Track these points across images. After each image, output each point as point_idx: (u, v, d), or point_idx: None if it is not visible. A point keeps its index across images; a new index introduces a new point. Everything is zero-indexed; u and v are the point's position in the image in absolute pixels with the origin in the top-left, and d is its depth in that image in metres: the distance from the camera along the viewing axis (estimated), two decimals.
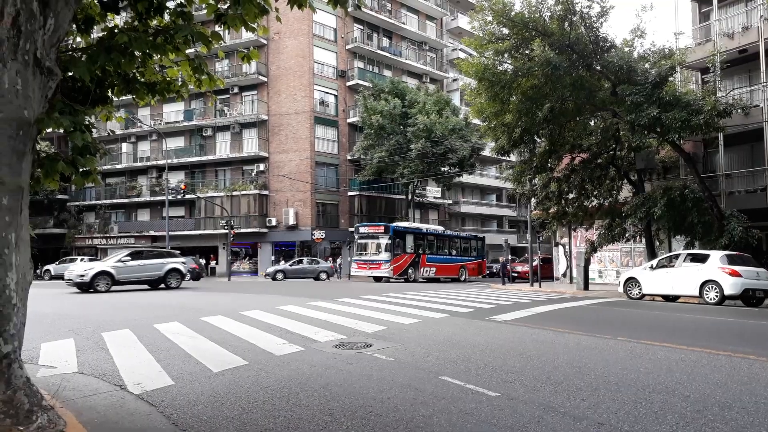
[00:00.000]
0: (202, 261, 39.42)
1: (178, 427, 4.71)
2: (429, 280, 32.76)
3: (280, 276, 34.58)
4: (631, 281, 18.87)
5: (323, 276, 34.99)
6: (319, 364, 7.06)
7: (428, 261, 32.87)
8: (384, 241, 30.36)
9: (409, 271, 31.26)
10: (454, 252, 36.01)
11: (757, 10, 21.71)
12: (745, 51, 21.62)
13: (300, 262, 36.05)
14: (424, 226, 36.55)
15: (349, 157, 42.64)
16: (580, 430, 4.50)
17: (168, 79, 6.60)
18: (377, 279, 31.13)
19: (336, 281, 33.61)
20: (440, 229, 37.64)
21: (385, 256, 30.07)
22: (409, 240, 31.86)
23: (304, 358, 7.45)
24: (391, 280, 31.05)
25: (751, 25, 21.86)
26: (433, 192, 45.60)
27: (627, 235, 23.36)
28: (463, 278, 35.09)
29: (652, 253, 22.71)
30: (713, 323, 11.90)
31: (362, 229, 32.02)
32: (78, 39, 6.26)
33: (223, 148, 42.74)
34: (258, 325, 10.54)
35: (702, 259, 17.10)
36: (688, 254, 17.95)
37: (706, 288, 16.48)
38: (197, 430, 4.61)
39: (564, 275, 31.31)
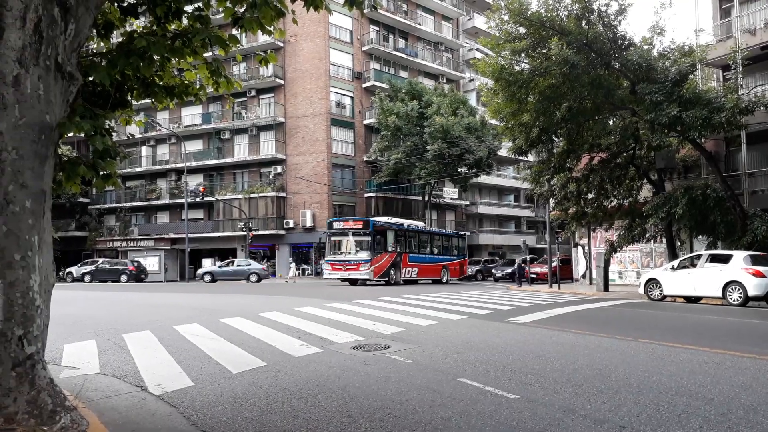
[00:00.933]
0: (218, 264, 39.73)
1: (198, 428, 4.73)
2: (408, 282, 29.58)
3: (207, 278, 35.25)
4: (652, 282, 18.62)
5: (253, 278, 34.26)
6: (337, 366, 7.06)
7: (410, 261, 29.58)
8: (363, 238, 26.70)
9: (391, 272, 27.66)
10: (435, 251, 33.17)
11: None
12: (767, 47, 21.22)
13: (231, 263, 36.36)
14: (405, 222, 32.31)
15: (365, 159, 42.69)
16: None
17: (186, 82, 6.67)
18: (353, 282, 27.66)
19: (290, 285, 30.69)
20: (421, 225, 34.88)
21: (364, 255, 26.33)
22: (390, 237, 28.22)
23: (322, 360, 7.46)
24: (368, 282, 27.63)
25: None
26: (449, 193, 45.45)
27: (647, 235, 23.05)
28: (444, 279, 32.48)
29: (673, 254, 22.40)
30: (737, 325, 11.69)
31: (336, 225, 28.35)
32: (96, 44, 6.34)
33: (240, 150, 43.04)
34: (276, 327, 10.58)
35: (725, 259, 16.81)
36: (711, 254, 17.66)
37: (730, 289, 16.20)
38: (217, 431, 4.64)
39: (583, 276, 31.00)
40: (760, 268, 15.83)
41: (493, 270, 39.15)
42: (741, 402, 5.25)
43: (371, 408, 5.18)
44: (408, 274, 29.29)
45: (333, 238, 27.88)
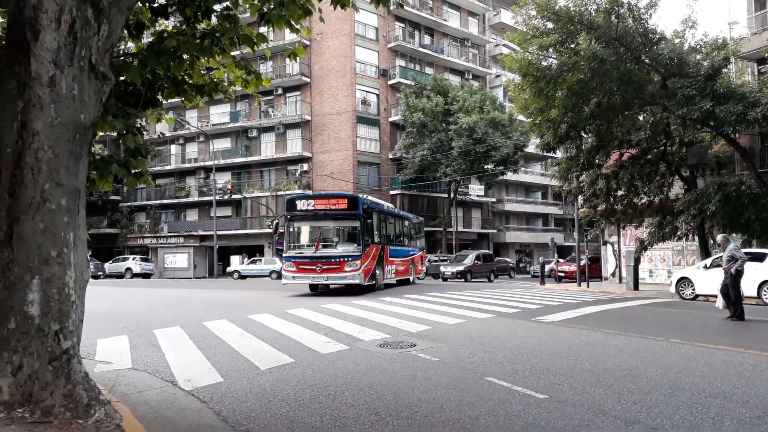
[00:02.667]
0: (246, 260, 40.21)
1: (228, 423, 4.79)
2: (387, 285, 22.01)
3: (236, 275, 36.72)
4: (683, 281, 18.24)
5: (274, 275, 34.92)
6: (364, 363, 7.08)
7: (391, 256, 21.96)
8: (348, 223, 18.90)
9: (377, 272, 19.70)
10: (405, 241, 25.53)
11: None
12: None
13: (258, 261, 37.79)
14: (382, 202, 24.29)
15: (390, 156, 42.68)
16: None
17: (215, 80, 6.75)
18: (313, 288, 19.53)
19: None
20: (391, 206, 27.29)
21: (350, 248, 18.30)
22: (375, 222, 20.04)
23: (349, 357, 7.48)
24: (331, 287, 20.18)
25: None
26: (476, 190, 45.15)
27: (679, 233, 22.57)
28: (412, 278, 25.44)
29: (705, 252, 21.89)
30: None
31: (302, 204, 18.76)
32: (129, 44, 6.45)
33: (267, 148, 43.40)
34: (303, 324, 10.65)
35: (760, 257, 16.37)
36: (745, 253, 17.19)
37: (765, 288, 15.78)
38: (247, 427, 4.69)
39: (613, 275, 30.52)
40: None
41: (440, 268, 33.17)
42: None
43: (398, 406, 5.17)
44: (390, 273, 21.92)
45: (296, 225, 19.31)
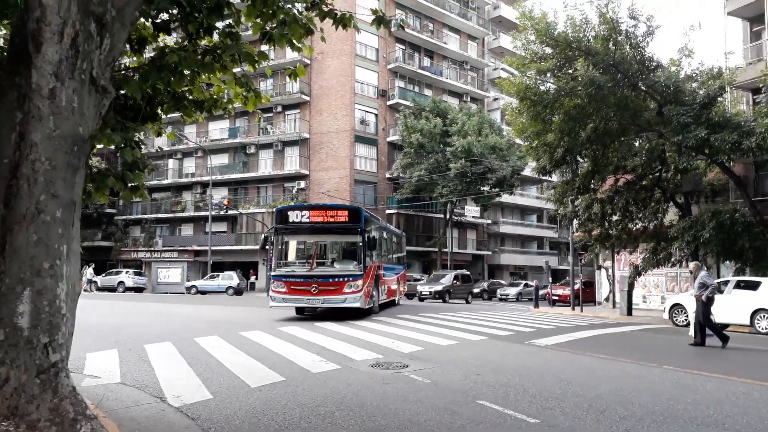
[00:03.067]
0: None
1: None
2: (382, 306, 19.63)
3: (193, 291, 36.47)
4: (677, 307, 18.22)
5: (230, 291, 35.88)
6: (356, 383, 7.02)
7: (385, 275, 20.09)
8: (348, 238, 16.55)
9: (374, 294, 17.38)
10: (393, 258, 23.47)
11: None
12: None
13: (215, 277, 37.49)
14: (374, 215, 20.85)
15: (387, 176, 42.80)
16: None
17: (215, 96, 6.79)
18: (300, 311, 16.78)
19: None
20: (379, 218, 23.16)
21: (351, 267, 15.86)
22: (376, 238, 18.06)
23: (340, 377, 7.42)
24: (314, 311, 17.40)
25: None
26: (471, 211, 45.24)
27: (673, 259, 22.59)
28: (397, 300, 23.45)
29: None
30: (765, 354, 11.37)
31: (295, 216, 16.03)
32: (131, 58, 6.50)
33: (265, 165, 43.48)
34: (295, 342, 10.58)
35: (753, 286, 16.40)
36: (739, 281, 17.24)
37: (758, 317, 15.78)
38: None
39: (606, 300, 30.47)
40: None
41: (417, 287, 31.44)
42: None
43: (389, 427, 5.13)
44: (382, 294, 19.39)
45: (287, 239, 16.80)
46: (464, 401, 6.13)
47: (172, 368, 7.89)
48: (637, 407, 5.98)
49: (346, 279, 15.27)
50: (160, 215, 47.52)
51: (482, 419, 5.41)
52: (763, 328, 15.55)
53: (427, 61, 45.96)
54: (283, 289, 15.36)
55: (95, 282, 38.84)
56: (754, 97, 22.60)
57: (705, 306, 11.92)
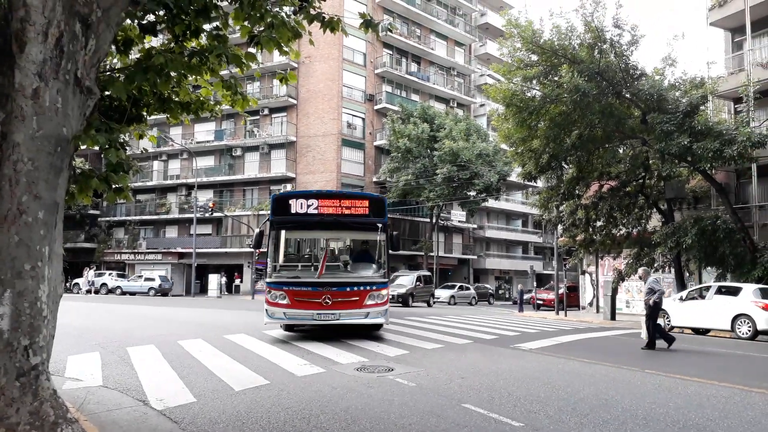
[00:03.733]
0: (224, 279, 39.78)
1: None
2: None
3: (118, 291, 37.04)
4: (659, 313, 18.39)
5: (151, 292, 36.25)
6: (341, 387, 7.01)
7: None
8: (368, 235, 12.70)
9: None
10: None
11: None
12: None
13: (139, 278, 38.43)
14: None
15: (374, 180, 42.83)
16: None
17: (201, 98, 6.77)
18: (289, 329, 12.88)
19: None
20: None
21: (370, 272, 12.46)
22: (396, 235, 13.51)
23: (325, 380, 7.41)
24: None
25: None
26: (457, 216, 45.39)
27: (656, 265, 22.86)
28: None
29: (681, 285, 22.18)
30: (746, 359, 11.52)
31: (298, 206, 11.90)
32: (115, 59, 6.45)
33: (251, 168, 43.31)
34: (280, 345, 10.54)
35: (734, 291, 16.63)
36: (720, 286, 17.47)
37: (738, 322, 16.00)
38: None
39: (590, 304, 30.73)
40: None
41: None
42: None
43: (373, 431, 5.13)
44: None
45: (288, 236, 13.22)
46: (449, 405, 6.15)
47: (155, 371, 7.82)
48: (620, 411, 6.03)
49: (368, 288, 11.55)
50: (144, 217, 47.12)
51: (467, 422, 5.43)
52: (743, 333, 15.77)
53: (414, 67, 46.14)
54: (284, 301, 11.25)
55: (93, 284, 38.66)
56: (736, 106, 22.95)
57: (653, 310, 12.27)
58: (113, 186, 5.75)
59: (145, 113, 6.50)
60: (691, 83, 20.37)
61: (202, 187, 43.20)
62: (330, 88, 41.03)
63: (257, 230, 12.11)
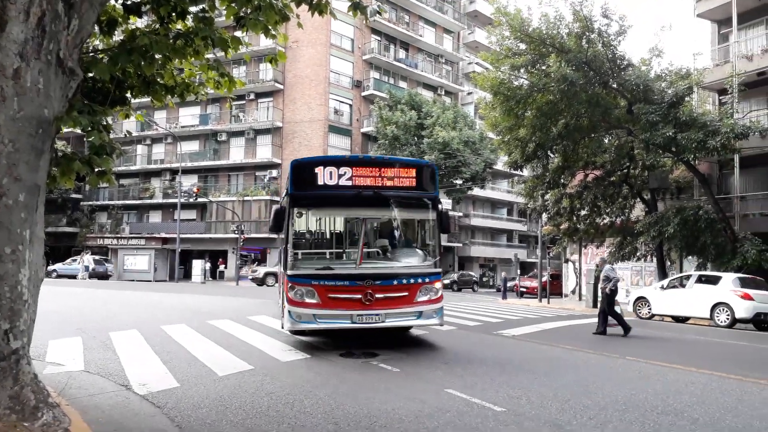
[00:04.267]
0: (208, 265, 39.52)
1: (182, 429, 4.70)
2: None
3: (54, 274, 35.94)
4: (641, 300, 18.68)
5: (82, 275, 35.96)
6: (325, 372, 7.04)
7: None
8: (417, 215, 10.11)
9: None
10: None
11: None
12: (763, 74, 21.44)
13: (74, 261, 37.55)
14: None
15: None
16: None
17: (186, 81, 6.68)
18: (300, 333, 9.72)
19: None
20: None
21: (418, 260, 9.88)
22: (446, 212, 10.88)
23: (310, 366, 7.43)
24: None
25: None
26: (444, 204, 45.48)
27: (638, 253, 23.16)
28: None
29: (663, 273, 22.49)
30: (724, 346, 11.74)
31: (326, 175, 9.04)
32: (98, 40, 6.34)
33: (236, 153, 42.98)
34: (265, 331, 10.54)
35: (714, 280, 16.90)
36: (700, 275, 17.74)
37: (718, 310, 16.28)
38: None
39: (573, 292, 31.07)
40: (749, 291, 15.92)
41: None
42: (726, 423, 5.26)
43: (357, 416, 5.16)
44: None
45: (313, 214, 10.81)
46: (432, 390, 6.20)
47: (138, 356, 7.79)
48: (600, 397, 6.13)
49: (419, 280, 9.17)
50: (127, 201, 46.64)
51: (450, 407, 5.48)
52: (722, 322, 16.05)
53: (402, 53, 45.90)
54: (314, 300, 8.58)
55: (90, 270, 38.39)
56: (720, 97, 23.18)
57: (609, 297, 12.53)
58: (96, 169, 5.66)
59: (128, 95, 6.41)
60: (677, 74, 20.52)
61: (187, 172, 42.80)
62: (317, 73, 40.72)
63: (275, 208, 9.30)
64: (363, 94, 42.91)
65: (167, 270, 40.48)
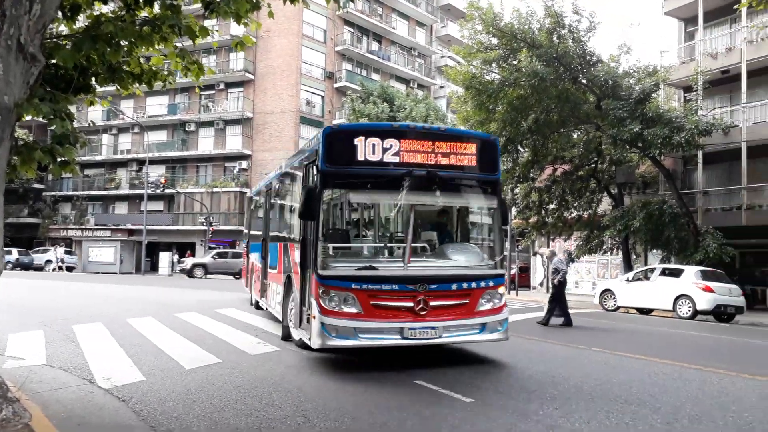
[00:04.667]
0: (176, 257, 39.00)
1: (148, 423, 4.63)
2: None
3: (9, 266, 35.42)
4: (606, 293, 19.06)
5: (49, 266, 36.30)
6: (294, 365, 7.01)
7: None
8: (478, 201, 8.28)
9: None
10: None
11: (741, 32, 22.15)
12: (727, 72, 22.02)
13: (37, 252, 37.87)
14: None
15: None
16: None
17: (154, 68, 6.54)
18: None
19: None
20: None
21: (478, 258, 8.07)
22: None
23: (279, 359, 7.39)
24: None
25: (735, 47, 22.29)
26: None
27: (604, 247, 23.61)
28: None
29: (628, 266, 22.99)
30: (685, 337, 12.06)
31: (368, 148, 7.05)
32: (63, 26, 6.16)
33: (205, 143, 42.34)
34: (233, 324, 10.44)
35: (677, 273, 17.35)
36: (664, 268, 18.19)
37: (680, 302, 16.71)
38: (167, 427, 4.54)
39: (541, 284, 31.54)
40: (710, 284, 16.38)
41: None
42: (686, 412, 5.41)
43: (327, 408, 5.15)
44: None
45: (354, 198, 7.79)
46: (402, 381, 6.23)
47: (103, 349, 7.64)
48: (566, 387, 6.24)
49: (481, 284, 7.42)
50: (92, 192, 45.61)
51: (419, 399, 5.52)
52: (684, 313, 16.49)
53: (375, 46, 45.76)
54: (354, 309, 6.79)
55: (64, 262, 37.35)
56: (686, 94, 23.71)
57: (557, 288, 12.89)
58: (59, 159, 5.52)
59: (93, 83, 6.25)
60: (644, 71, 20.91)
61: (154, 162, 42.01)
62: (289, 64, 40.33)
63: (306, 188, 7.16)
64: (335, 85, 42.67)
65: (134, 262, 39.82)
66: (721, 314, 16.57)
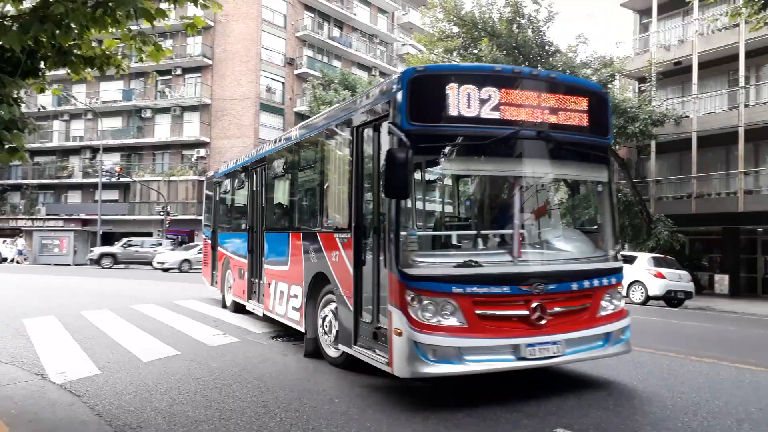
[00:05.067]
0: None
1: (103, 418, 4.53)
2: None
3: None
4: None
5: None
6: (255, 356, 6.95)
7: None
8: (588, 172, 6.10)
9: None
10: None
11: (693, 24, 22.81)
12: (679, 63, 22.68)
13: None
14: None
15: None
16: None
17: (107, 52, 6.30)
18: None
19: None
20: None
21: (589, 249, 6.17)
22: None
23: (239, 350, 7.31)
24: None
25: (686, 39, 22.96)
26: None
27: None
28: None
29: None
30: (638, 322, 12.39)
31: (462, 97, 5.02)
32: (10, 7, 5.88)
33: (162, 130, 41.34)
34: (193, 315, 10.28)
35: (630, 260, 17.85)
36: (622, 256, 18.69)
37: (633, 288, 17.26)
38: (124, 421, 4.45)
39: None
40: (661, 270, 16.97)
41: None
42: (637, 392, 5.59)
43: (287, 398, 5.13)
44: None
45: (448, 168, 5.52)
46: (363, 371, 6.24)
47: (55, 343, 7.42)
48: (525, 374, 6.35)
49: (603, 282, 5.75)
50: (43, 181, 44.07)
51: (381, 385, 5.54)
52: (636, 299, 17.03)
53: (336, 32, 45.37)
54: (457, 322, 4.93)
55: (24, 254, 35.94)
56: (640, 85, 24.33)
57: None
58: (6, 145, 5.29)
59: (42, 66, 5.99)
60: (600, 62, 21.37)
61: (109, 150, 40.82)
62: (248, 49, 39.62)
63: (397, 155, 4.78)
64: (296, 72, 42.18)
65: (88, 253, 38.74)
66: (672, 299, 17.19)
